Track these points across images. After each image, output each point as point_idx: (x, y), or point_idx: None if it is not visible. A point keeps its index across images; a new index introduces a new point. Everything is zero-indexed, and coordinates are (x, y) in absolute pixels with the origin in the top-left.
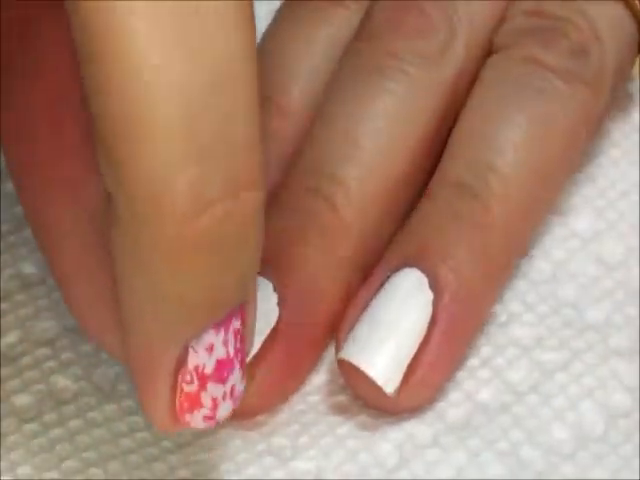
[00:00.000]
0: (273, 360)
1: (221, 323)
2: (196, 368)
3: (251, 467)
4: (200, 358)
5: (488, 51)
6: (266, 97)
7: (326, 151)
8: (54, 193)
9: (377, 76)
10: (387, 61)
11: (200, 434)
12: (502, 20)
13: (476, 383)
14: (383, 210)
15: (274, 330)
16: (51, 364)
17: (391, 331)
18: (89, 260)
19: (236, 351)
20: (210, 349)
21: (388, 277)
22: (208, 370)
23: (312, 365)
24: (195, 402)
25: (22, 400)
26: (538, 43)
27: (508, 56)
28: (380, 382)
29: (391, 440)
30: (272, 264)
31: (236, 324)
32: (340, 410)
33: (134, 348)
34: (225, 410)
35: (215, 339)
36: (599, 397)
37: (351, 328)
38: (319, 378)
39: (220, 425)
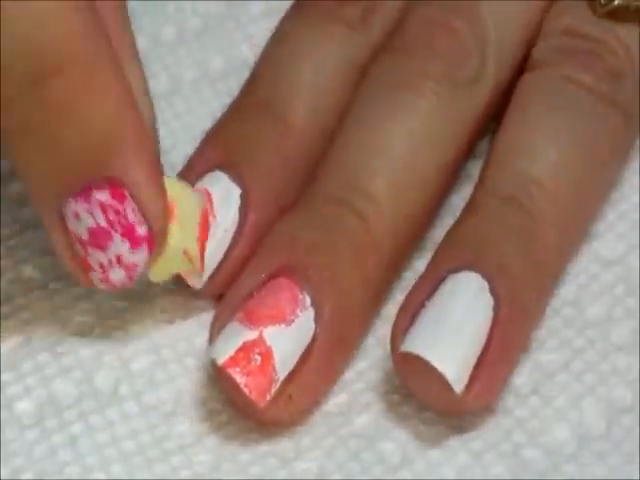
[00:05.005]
0: (308, 377)
1: (78, 194)
2: (74, 233)
3: (254, 467)
4: (71, 223)
5: (520, 65)
6: (271, 113)
7: (357, 163)
8: None
9: (409, 93)
10: (419, 80)
11: (202, 433)
12: (537, 34)
13: None
14: (411, 229)
15: (310, 348)
16: (52, 369)
17: (460, 330)
18: None
19: (111, 223)
20: (76, 216)
21: (444, 278)
22: (83, 236)
23: (342, 372)
24: (86, 265)
25: (23, 406)
26: (575, 65)
27: (546, 75)
28: (451, 378)
29: (394, 439)
30: (309, 279)
31: (101, 197)
32: (343, 410)
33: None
34: (118, 276)
35: (78, 208)
36: (600, 394)
37: (410, 324)
38: None
39: (223, 423)
